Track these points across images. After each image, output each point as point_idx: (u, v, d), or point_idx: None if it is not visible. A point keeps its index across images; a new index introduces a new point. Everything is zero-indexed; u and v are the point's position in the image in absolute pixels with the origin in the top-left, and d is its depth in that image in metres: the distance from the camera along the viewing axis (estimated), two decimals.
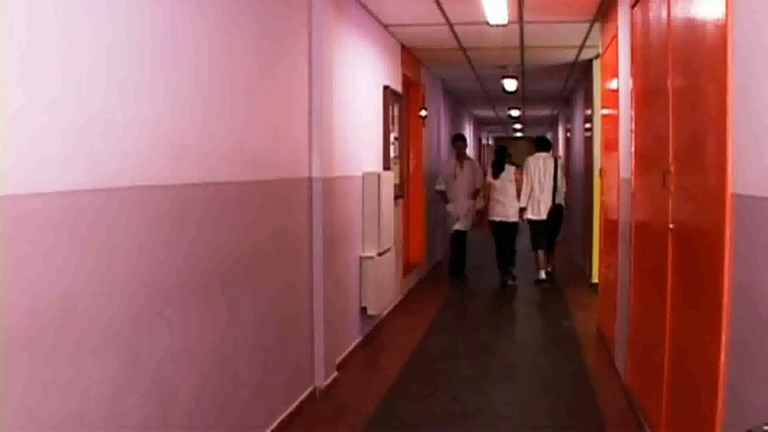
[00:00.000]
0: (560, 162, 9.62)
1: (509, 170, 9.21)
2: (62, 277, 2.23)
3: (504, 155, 9.43)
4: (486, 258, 10.57)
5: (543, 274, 9.03)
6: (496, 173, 9.20)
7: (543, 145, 9.46)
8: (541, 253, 9.14)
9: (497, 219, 9.06)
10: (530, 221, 9.12)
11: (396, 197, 7.39)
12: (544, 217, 9.04)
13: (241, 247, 3.60)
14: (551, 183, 9.07)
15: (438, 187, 9.64)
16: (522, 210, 9.07)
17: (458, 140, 9.95)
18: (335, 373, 4.96)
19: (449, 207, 9.57)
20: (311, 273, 4.69)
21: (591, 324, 6.68)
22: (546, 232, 9.11)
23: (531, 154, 9.48)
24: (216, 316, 3.32)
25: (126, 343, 2.58)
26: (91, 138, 2.36)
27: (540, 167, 9.10)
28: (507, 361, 5.76)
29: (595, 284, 7.53)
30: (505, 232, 9.04)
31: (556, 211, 9.16)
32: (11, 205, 2.01)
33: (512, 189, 9.04)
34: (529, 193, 9.04)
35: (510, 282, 9.05)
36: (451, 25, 7.14)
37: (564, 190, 9.33)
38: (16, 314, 2.03)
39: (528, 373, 5.41)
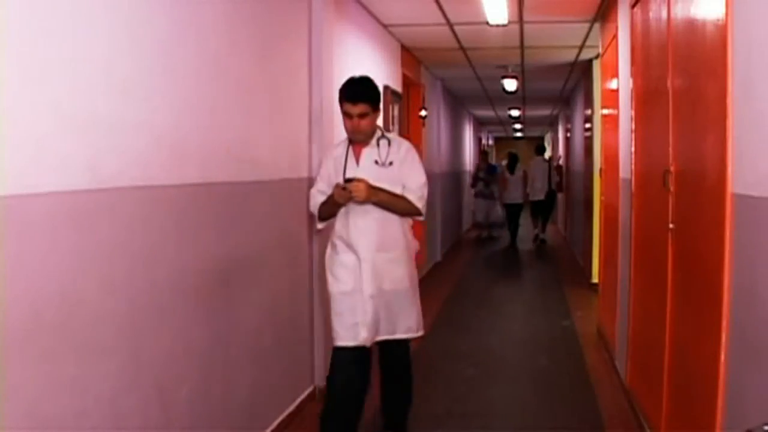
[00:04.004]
0: (552, 162, 15.09)
1: (519, 168, 13.84)
2: (62, 278, 2.23)
3: (516, 158, 14.03)
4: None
5: (537, 232, 14.06)
6: (512, 171, 13.79)
7: (540, 150, 14.78)
8: (538, 220, 14.11)
9: (511, 202, 13.71)
10: (531, 201, 14.00)
11: None
12: (539, 198, 13.80)
13: (241, 246, 3.60)
14: (546, 176, 13.79)
15: (313, 205, 3.87)
16: (527, 195, 13.84)
17: (350, 96, 3.65)
18: None
19: (337, 258, 3.75)
20: (311, 273, 4.68)
21: (591, 324, 6.68)
22: (542, 208, 13.99)
23: (530, 154, 14.80)
24: (216, 316, 3.32)
25: (126, 343, 2.58)
26: (91, 138, 2.36)
27: (538, 166, 13.97)
28: (507, 361, 5.76)
29: (595, 284, 7.53)
30: (515, 209, 13.70)
31: (550, 194, 13.91)
32: (11, 205, 2.01)
33: (521, 182, 13.76)
34: (530, 184, 13.82)
35: (513, 244, 13.47)
36: (451, 25, 7.14)
37: (555, 181, 14.07)
38: (16, 314, 2.03)
39: (528, 373, 5.41)
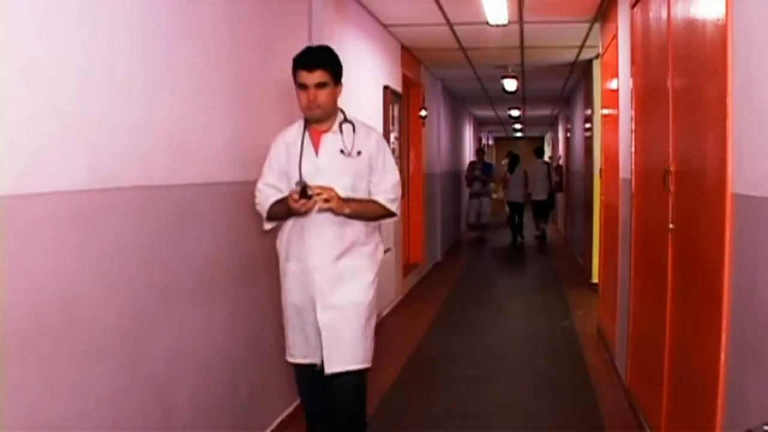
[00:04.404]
0: (551, 164, 16.16)
1: (520, 168, 14.23)
2: (62, 278, 2.22)
3: (517, 159, 14.47)
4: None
5: (539, 231, 14.62)
6: (512, 170, 14.20)
7: (539, 153, 15.79)
8: (539, 219, 14.73)
9: (513, 200, 14.01)
10: (533, 201, 14.57)
11: None
12: (539, 198, 14.44)
13: (242, 246, 3.60)
14: (545, 177, 14.50)
15: (260, 203, 3.30)
16: (529, 195, 14.25)
17: (305, 62, 3.15)
18: None
19: (288, 267, 3.28)
20: None
21: (591, 324, 6.68)
22: (542, 207, 14.71)
23: (530, 154, 16.16)
24: (216, 315, 3.32)
25: (126, 343, 2.58)
26: (91, 138, 2.36)
27: (537, 168, 14.72)
28: (507, 362, 5.76)
29: (595, 284, 7.53)
30: (517, 207, 13.98)
31: (550, 194, 14.67)
32: (11, 205, 2.01)
33: (521, 181, 14.06)
34: (531, 184, 14.29)
35: (519, 240, 13.88)
36: (451, 25, 7.14)
37: (555, 181, 14.77)
38: (17, 314, 2.03)
39: (528, 373, 5.41)
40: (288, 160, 3.20)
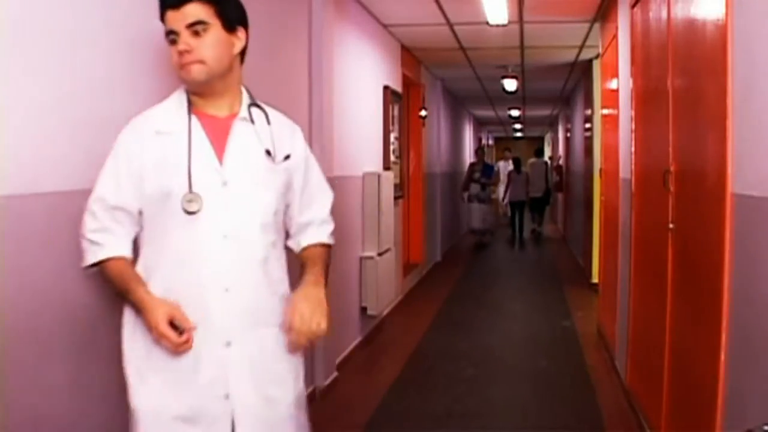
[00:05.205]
0: (551, 163, 16.99)
1: (524, 169, 15.02)
2: (62, 277, 2.22)
3: (520, 161, 15.27)
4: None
5: (535, 227, 15.37)
6: (518, 171, 14.84)
7: (538, 153, 16.38)
8: (536, 215, 15.44)
9: (515, 200, 14.64)
10: (531, 198, 15.16)
11: (396, 197, 7.39)
12: (537, 195, 15.03)
13: None
14: (543, 176, 15.07)
15: (90, 235, 2.02)
16: (528, 193, 14.81)
17: None
18: (335, 373, 4.96)
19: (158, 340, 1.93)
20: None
21: (591, 324, 6.68)
22: (539, 204, 15.30)
23: (530, 155, 16.74)
24: None
25: None
26: (91, 138, 2.36)
27: (536, 167, 15.31)
28: (507, 362, 5.76)
29: (595, 284, 7.53)
30: (518, 205, 14.65)
31: (546, 192, 15.18)
32: (11, 205, 2.01)
33: (524, 182, 14.66)
34: (531, 183, 14.88)
35: (519, 237, 14.44)
36: (451, 25, 7.14)
37: (553, 181, 15.31)
38: (16, 314, 2.03)
39: (528, 373, 5.41)
40: (165, 162, 1.92)
